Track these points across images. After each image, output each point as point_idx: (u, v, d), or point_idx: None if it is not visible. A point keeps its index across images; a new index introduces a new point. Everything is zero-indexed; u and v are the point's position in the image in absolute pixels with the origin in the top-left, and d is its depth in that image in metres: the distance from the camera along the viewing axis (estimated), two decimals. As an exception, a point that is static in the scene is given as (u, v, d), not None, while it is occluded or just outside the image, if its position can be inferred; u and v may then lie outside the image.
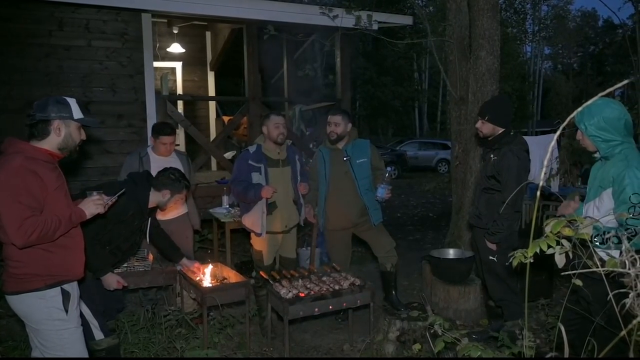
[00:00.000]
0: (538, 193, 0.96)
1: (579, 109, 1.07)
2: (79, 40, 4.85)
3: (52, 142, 2.08)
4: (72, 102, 2.13)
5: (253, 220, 3.45)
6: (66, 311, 2.07)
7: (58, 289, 2.06)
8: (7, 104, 4.59)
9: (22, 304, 2.03)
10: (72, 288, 2.14)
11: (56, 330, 2.05)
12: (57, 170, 2.11)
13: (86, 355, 2.17)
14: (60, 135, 2.08)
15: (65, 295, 2.07)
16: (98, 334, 2.55)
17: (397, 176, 16.17)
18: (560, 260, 1.16)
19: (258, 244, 3.54)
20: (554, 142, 0.98)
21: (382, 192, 3.45)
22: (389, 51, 22.39)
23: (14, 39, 4.61)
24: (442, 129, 27.93)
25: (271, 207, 3.43)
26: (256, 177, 3.39)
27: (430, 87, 29.72)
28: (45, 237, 1.95)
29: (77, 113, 2.12)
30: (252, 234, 3.53)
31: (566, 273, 1.04)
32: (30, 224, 1.90)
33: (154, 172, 3.71)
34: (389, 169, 3.55)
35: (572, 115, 0.93)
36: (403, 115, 29.23)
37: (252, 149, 3.52)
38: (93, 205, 2.14)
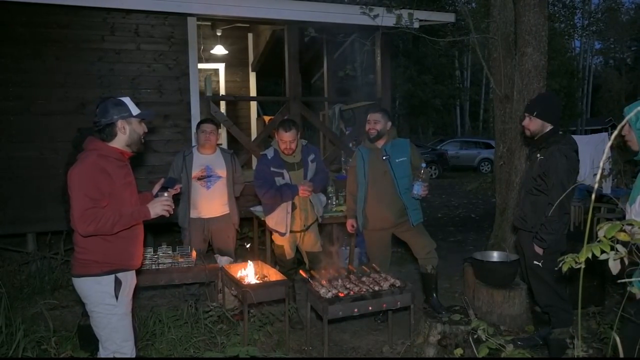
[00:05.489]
0: (593, 196, 0.92)
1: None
2: (129, 44, 5.03)
3: (120, 141, 2.27)
4: (127, 100, 2.30)
5: (277, 220, 3.60)
6: (116, 297, 2.23)
7: (112, 276, 2.23)
8: (63, 105, 4.83)
9: (82, 286, 2.24)
10: (126, 277, 2.30)
11: (106, 314, 2.24)
12: (126, 168, 2.32)
13: (131, 341, 2.32)
14: (125, 134, 2.27)
15: (118, 283, 2.24)
16: None
17: (437, 176, 15.86)
18: (614, 267, 1.10)
19: (279, 239, 3.69)
20: (610, 143, 0.94)
21: (418, 189, 3.39)
22: (430, 49, 21.93)
23: (69, 44, 4.85)
24: (485, 128, 27.06)
25: (291, 207, 3.56)
26: (280, 183, 3.48)
27: (472, 85, 28.85)
28: (103, 228, 2.11)
29: (134, 109, 2.29)
30: (274, 233, 3.67)
31: (623, 281, 0.99)
32: (90, 215, 2.07)
33: (196, 170, 3.85)
34: (423, 165, 3.46)
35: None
36: (444, 113, 28.58)
37: (269, 154, 3.58)
38: (160, 206, 2.26)
